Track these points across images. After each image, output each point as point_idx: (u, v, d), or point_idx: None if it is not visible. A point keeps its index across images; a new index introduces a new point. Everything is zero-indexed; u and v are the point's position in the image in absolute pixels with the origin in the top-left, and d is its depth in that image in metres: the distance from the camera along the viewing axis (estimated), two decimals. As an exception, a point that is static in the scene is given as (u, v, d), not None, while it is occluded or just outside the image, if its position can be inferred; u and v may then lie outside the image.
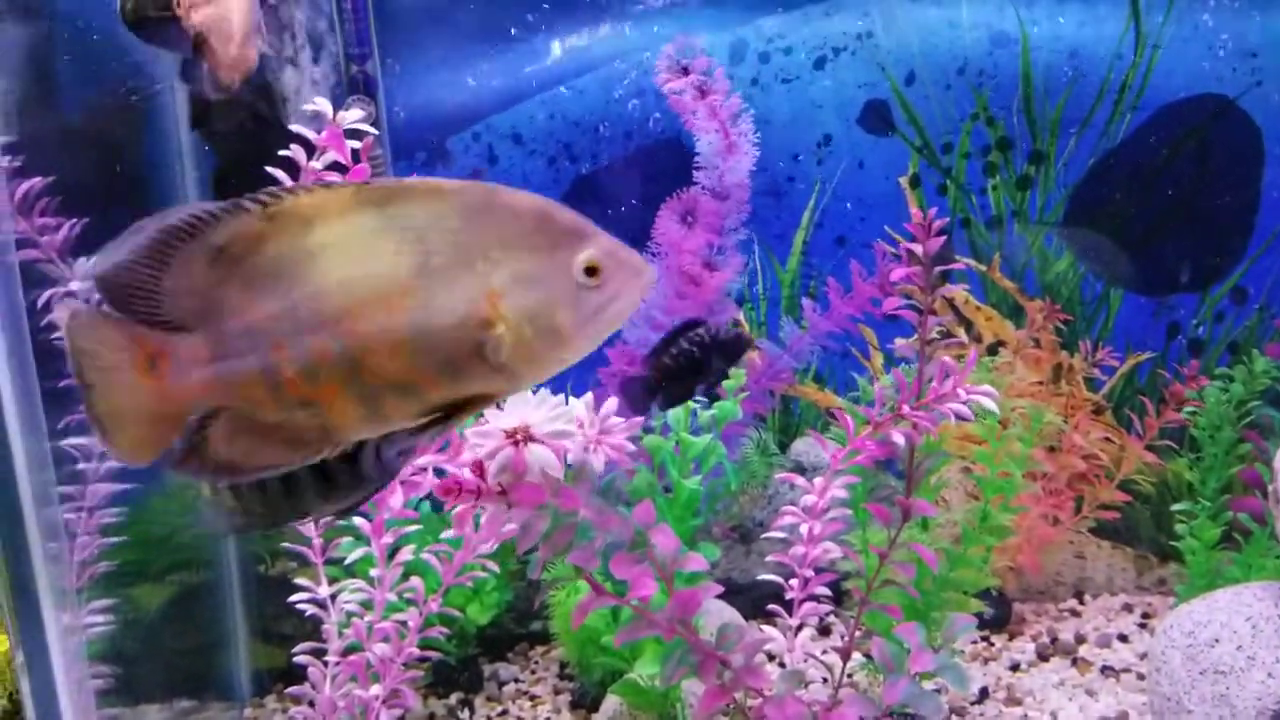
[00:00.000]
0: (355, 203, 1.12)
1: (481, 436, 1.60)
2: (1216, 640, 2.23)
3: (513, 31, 2.88)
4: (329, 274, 1.12)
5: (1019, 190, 3.01)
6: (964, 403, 1.91)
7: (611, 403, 1.73)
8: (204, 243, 1.11)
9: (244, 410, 1.14)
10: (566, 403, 1.67)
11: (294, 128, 1.92)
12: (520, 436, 1.58)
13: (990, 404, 1.90)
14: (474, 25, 2.90)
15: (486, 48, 2.93)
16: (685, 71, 2.34)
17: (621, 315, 1.18)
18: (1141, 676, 2.62)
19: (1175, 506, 2.63)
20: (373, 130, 1.90)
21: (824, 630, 2.88)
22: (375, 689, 2.21)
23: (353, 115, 1.91)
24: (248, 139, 2.43)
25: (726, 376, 2.18)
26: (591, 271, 1.15)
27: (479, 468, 1.65)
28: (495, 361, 1.14)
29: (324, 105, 1.90)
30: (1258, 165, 3.05)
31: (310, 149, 1.90)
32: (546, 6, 2.85)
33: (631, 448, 1.72)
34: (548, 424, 1.56)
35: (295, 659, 2.21)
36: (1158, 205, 2.99)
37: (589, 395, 1.75)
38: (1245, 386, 2.61)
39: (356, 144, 1.89)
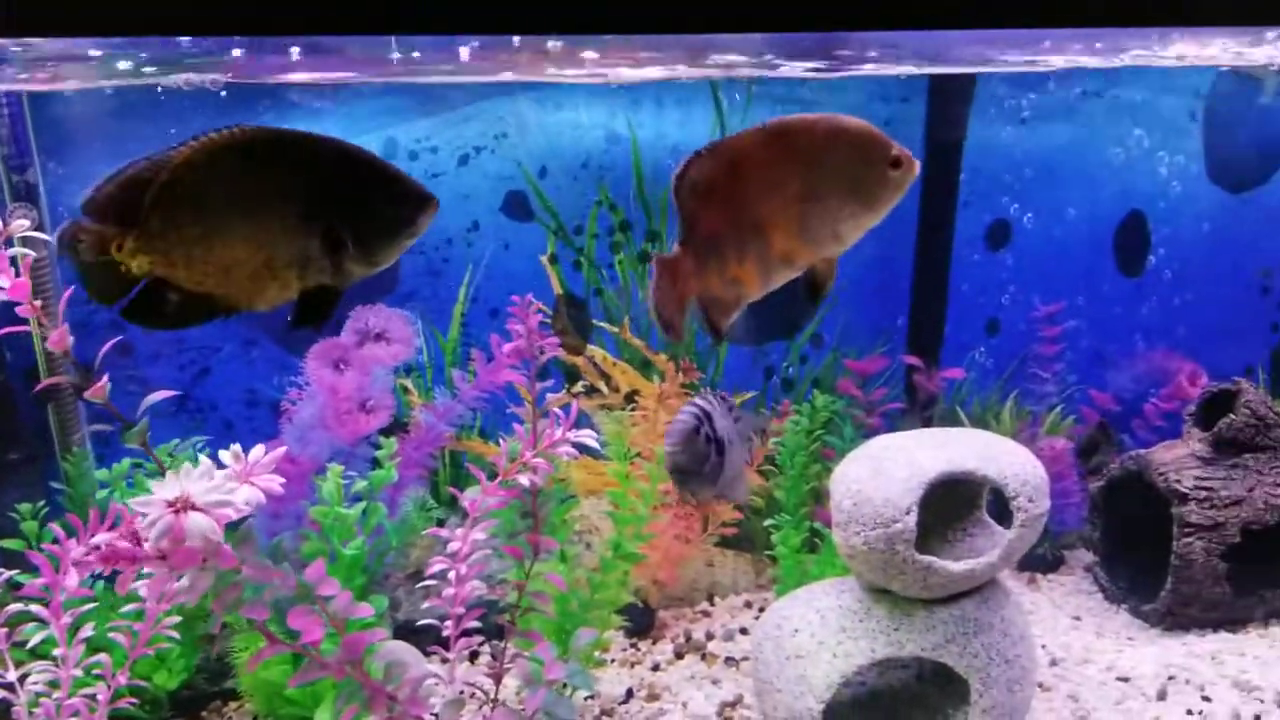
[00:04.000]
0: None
1: (144, 506, 1.81)
2: (796, 630, 2.67)
3: (173, 131, 3.04)
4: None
5: (640, 263, 3.53)
6: (573, 444, 2.34)
7: (259, 449, 1.90)
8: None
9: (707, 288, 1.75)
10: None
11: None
12: (180, 505, 1.76)
13: (592, 443, 2.34)
14: (136, 125, 3.03)
15: (150, 146, 3.07)
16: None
17: None
18: (752, 663, 3.06)
19: (767, 523, 3.21)
20: (44, 236, 2.05)
21: (494, 656, 3.22)
22: (69, 762, 2.33)
23: (20, 225, 2.08)
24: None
25: None
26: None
27: (135, 536, 1.85)
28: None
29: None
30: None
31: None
32: (221, 97, 3.03)
33: (278, 489, 1.93)
34: (207, 494, 1.79)
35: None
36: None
37: (236, 444, 1.90)
38: (810, 419, 3.26)
39: (27, 252, 2.05)
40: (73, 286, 1.61)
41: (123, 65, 2.52)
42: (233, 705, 3.05)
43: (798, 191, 1.75)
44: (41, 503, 2.63)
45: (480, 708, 2.89)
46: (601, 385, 3.40)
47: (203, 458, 1.82)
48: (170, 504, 1.74)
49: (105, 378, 1.78)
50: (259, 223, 1.39)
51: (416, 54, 2.57)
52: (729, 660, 3.23)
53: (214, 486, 1.80)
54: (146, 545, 1.76)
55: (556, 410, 2.33)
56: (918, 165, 1.77)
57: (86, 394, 1.76)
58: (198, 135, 1.39)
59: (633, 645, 3.33)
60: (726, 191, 1.72)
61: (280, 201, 1.40)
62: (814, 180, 1.75)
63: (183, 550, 1.76)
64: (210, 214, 1.38)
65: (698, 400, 1.97)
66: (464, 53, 2.60)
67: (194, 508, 1.76)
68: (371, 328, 2.66)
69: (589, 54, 2.68)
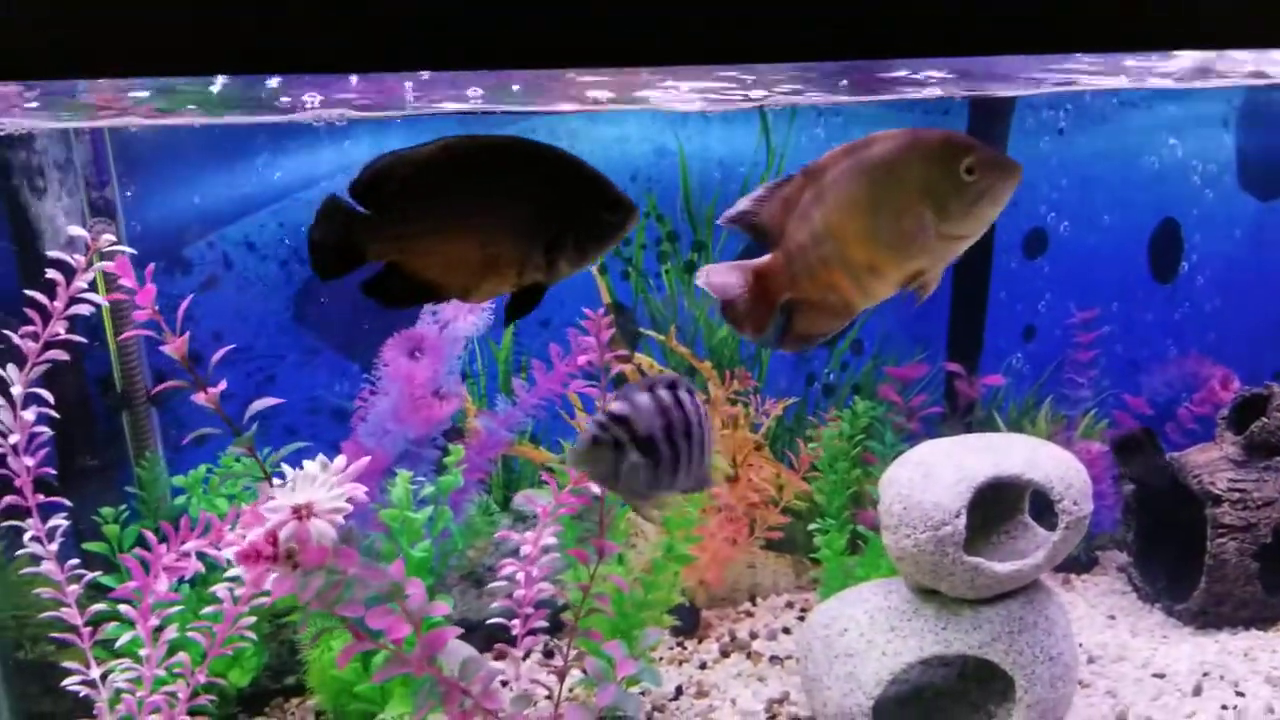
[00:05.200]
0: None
1: (271, 511, 1.93)
2: (845, 630, 2.77)
3: (239, 152, 3.18)
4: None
5: (686, 273, 3.63)
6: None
7: (340, 460, 2.04)
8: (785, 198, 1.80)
9: (802, 295, 1.79)
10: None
11: (52, 254, 2.18)
12: (305, 512, 1.92)
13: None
14: (201, 148, 3.15)
15: (215, 168, 3.20)
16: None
17: None
18: (798, 662, 3.12)
19: (811, 526, 3.30)
20: (129, 250, 2.17)
21: (549, 654, 3.27)
22: (150, 755, 2.44)
23: (106, 238, 2.19)
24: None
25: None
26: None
27: (272, 537, 1.97)
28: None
29: (79, 232, 2.18)
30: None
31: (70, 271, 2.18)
32: (269, 129, 3.17)
33: (364, 497, 2.05)
34: (328, 501, 1.91)
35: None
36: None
37: (320, 455, 2.06)
38: (851, 425, 3.35)
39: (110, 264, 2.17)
40: (192, 296, 1.72)
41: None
42: (294, 701, 3.16)
43: (866, 199, 1.78)
44: (123, 507, 2.73)
45: (534, 704, 3.01)
46: (648, 392, 3.48)
47: (311, 463, 1.93)
48: (295, 510, 1.87)
49: (222, 383, 1.88)
50: (490, 223, 1.49)
51: (474, 89, 2.67)
52: (773, 659, 3.31)
53: (332, 494, 1.91)
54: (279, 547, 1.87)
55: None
56: (1009, 172, 1.73)
57: (198, 399, 1.86)
58: (441, 136, 1.49)
59: (679, 644, 3.42)
60: (810, 203, 1.80)
61: (511, 204, 1.49)
62: (881, 188, 1.77)
63: (311, 550, 1.87)
64: (446, 211, 1.48)
65: (621, 399, 1.79)
66: (514, 87, 2.69)
67: (314, 514, 1.90)
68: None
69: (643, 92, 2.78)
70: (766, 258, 1.83)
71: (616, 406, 1.74)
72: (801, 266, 1.80)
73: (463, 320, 2.77)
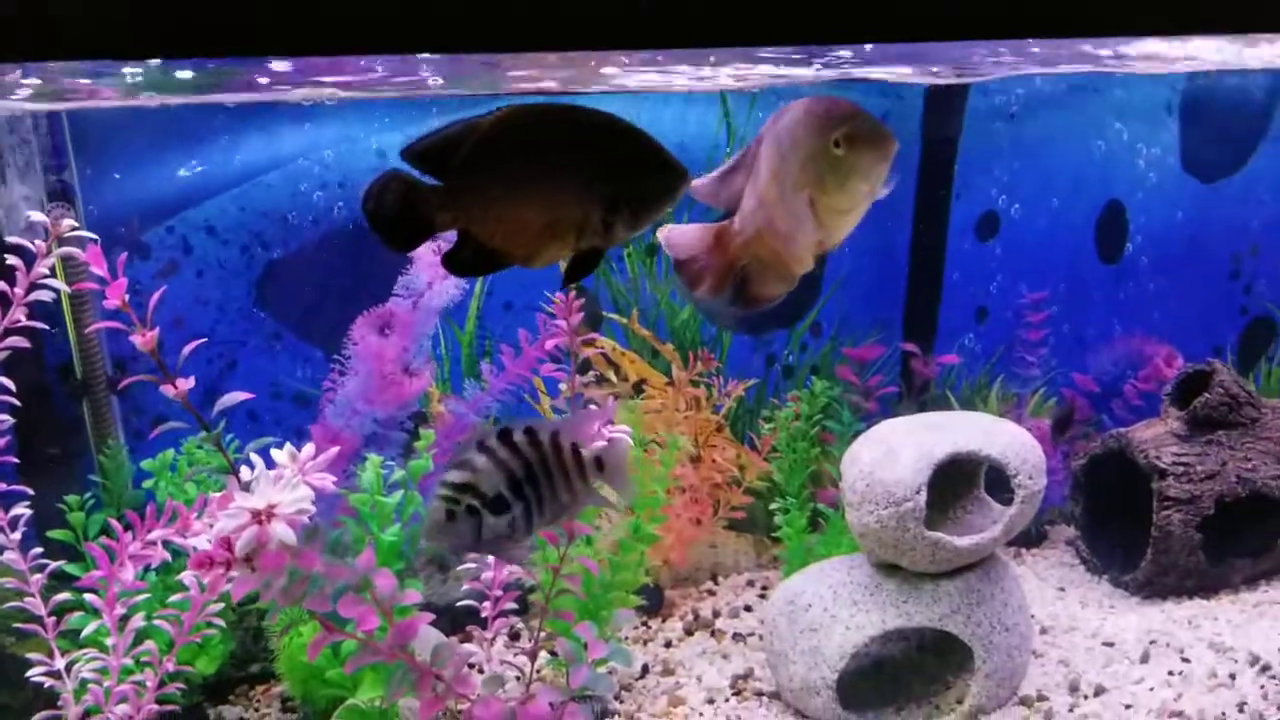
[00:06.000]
0: None
1: (231, 517, 1.93)
2: (809, 605, 2.83)
3: (199, 135, 3.13)
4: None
5: (648, 256, 3.65)
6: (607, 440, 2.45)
7: (309, 448, 2.05)
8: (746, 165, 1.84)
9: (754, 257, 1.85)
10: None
11: (11, 239, 2.15)
12: (264, 516, 1.92)
13: (627, 439, 2.44)
14: (162, 130, 3.11)
15: (175, 151, 3.16)
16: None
17: None
18: (762, 639, 3.10)
19: (773, 506, 3.36)
20: (91, 236, 2.14)
21: (514, 636, 3.29)
22: (118, 745, 2.42)
23: (67, 223, 2.16)
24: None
25: None
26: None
27: (226, 543, 1.97)
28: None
29: (39, 217, 2.15)
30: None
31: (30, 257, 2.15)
32: (229, 110, 3.13)
33: (331, 487, 2.06)
34: (290, 505, 1.92)
35: (34, 728, 2.37)
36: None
37: (289, 445, 2.07)
38: (809, 405, 3.41)
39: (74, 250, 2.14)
40: (164, 287, 1.71)
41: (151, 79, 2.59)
42: (259, 689, 3.15)
43: (774, 167, 1.78)
44: (89, 495, 2.70)
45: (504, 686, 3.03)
46: (611, 375, 3.51)
47: (279, 453, 1.93)
48: (255, 515, 1.87)
49: (191, 379, 1.88)
50: (552, 189, 1.51)
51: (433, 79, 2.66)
52: (737, 636, 3.36)
53: (297, 499, 1.92)
54: (236, 552, 1.87)
55: (594, 405, 2.44)
56: (878, 147, 1.68)
57: (168, 392, 1.85)
58: (502, 105, 1.50)
59: (644, 624, 3.46)
60: (754, 170, 1.83)
61: (572, 170, 1.51)
62: (779, 158, 1.77)
63: (270, 555, 1.88)
64: (510, 178, 1.49)
65: (457, 466, 1.71)
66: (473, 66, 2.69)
67: (275, 517, 1.89)
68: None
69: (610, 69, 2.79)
70: (725, 221, 1.87)
71: (455, 476, 1.70)
72: (751, 231, 1.83)
73: (433, 295, 2.76)
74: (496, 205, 1.50)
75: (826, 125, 1.70)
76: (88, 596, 2.36)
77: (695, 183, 1.84)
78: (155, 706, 2.43)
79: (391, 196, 1.48)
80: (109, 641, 2.39)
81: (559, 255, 1.57)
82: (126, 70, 2.30)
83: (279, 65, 2.30)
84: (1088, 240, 4.47)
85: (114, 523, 2.31)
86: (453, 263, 1.56)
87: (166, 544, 2.38)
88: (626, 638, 3.34)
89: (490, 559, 2.49)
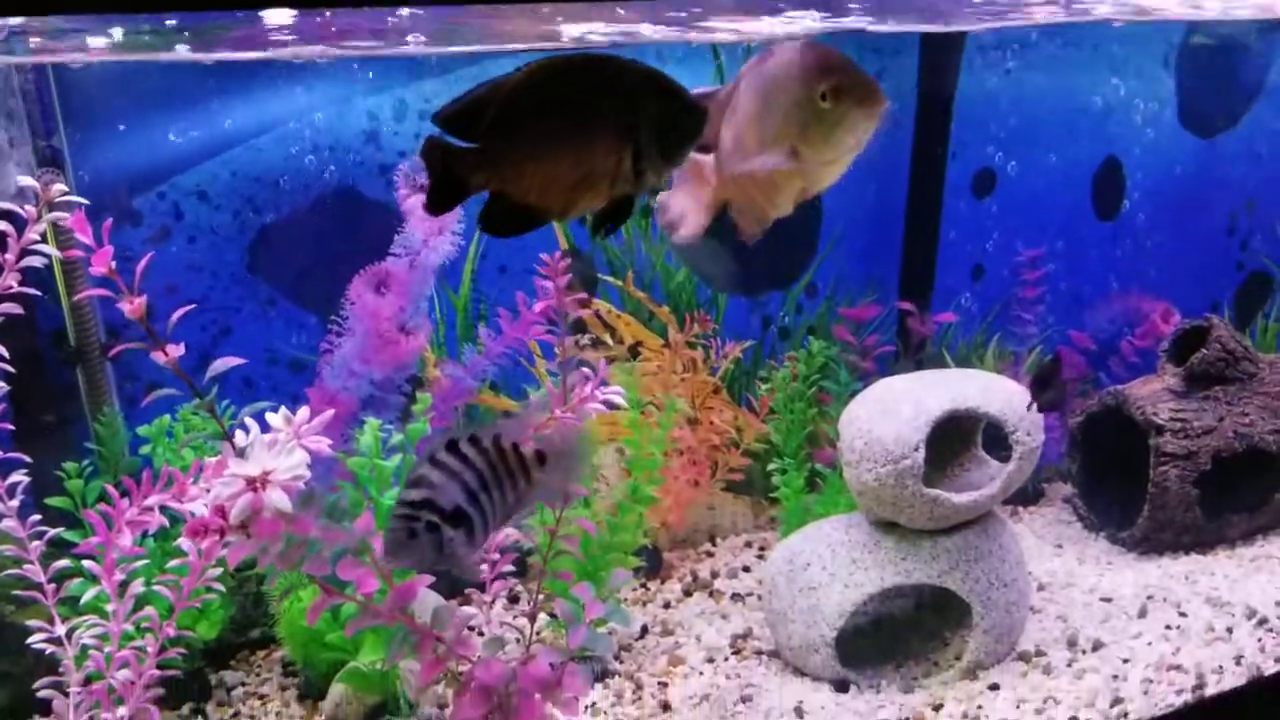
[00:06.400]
0: None
1: (226, 485, 1.93)
2: (808, 564, 2.84)
3: (189, 98, 3.09)
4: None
5: (643, 218, 3.62)
6: (601, 402, 2.45)
7: (304, 411, 2.03)
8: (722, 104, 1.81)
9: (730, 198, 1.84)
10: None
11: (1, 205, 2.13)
12: (260, 482, 1.92)
13: (620, 400, 2.45)
14: (152, 93, 3.06)
15: (166, 115, 3.11)
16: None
17: None
18: (761, 598, 3.13)
19: (770, 467, 3.36)
20: (82, 201, 2.12)
21: (514, 599, 3.33)
22: (121, 711, 2.43)
23: (57, 188, 2.13)
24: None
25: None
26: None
27: (221, 510, 1.96)
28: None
29: (29, 182, 2.12)
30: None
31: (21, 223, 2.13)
32: (220, 73, 3.08)
33: (327, 450, 2.04)
34: (285, 471, 1.91)
35: (37, 693, 2.38)
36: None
37: (283, 408, 2.05)
38: (806, 366, 3.41)
39: (65, 215, 2.12)
40: (152, 253, 1.69)
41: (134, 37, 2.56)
42: (260, 654, 3.16)
43: (756, 111, 1.75)
44: (86, 462, 2.69)
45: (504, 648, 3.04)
46: (606, 337, 3.50)
47: (275, 416, 1.91)
48: (250, 482, 1.86)
49: (181, 346, 1.86)
50: (583, 141, 1.50)
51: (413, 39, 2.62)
52: (735, 596, 3.38)
53: (292, 464, 1.90)
54: (231, 519, 1.86)
55: (587, 369, 2.43)
56: (867, 103, 1.63)
57: (158, 358, 1.84)
58: (528, 62, 1.49)
59: (643, 585, 3.47)
60: (732, 109, 1.80)
61: (600, 120, 1.51)
62: (763, 103, 1.73)
63: (265, 522, 1.87)
64: (540, 134, 1.49)
65: (411, 484, 1.71)
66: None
67: (271, 483, 1.88)
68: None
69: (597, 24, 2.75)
70: (701, 158, 1.85)
71: (413, 494, 1.69)
72: (726, 171, 1.80)
73: (429, 252, 2.74)
74: (528, 163, 1.49)
75: (815, 76, 1.66)
76: (86, 563, 2.36)
77: None
78: (156, 671, 2.43)
79: (432, 162, 1.48)
80: (109, 607, 2.39)
81: (593, 205, 1.57)
82: (114, 30, 2.27)
83: (272, 18, 2.26)
84: (1084, 197, 4.45)
85: (111, 489, 2.30)
86: (488, 222, 1.55)
87: (164, 509, 2.38)
88: (625, 599, 3.35)
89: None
